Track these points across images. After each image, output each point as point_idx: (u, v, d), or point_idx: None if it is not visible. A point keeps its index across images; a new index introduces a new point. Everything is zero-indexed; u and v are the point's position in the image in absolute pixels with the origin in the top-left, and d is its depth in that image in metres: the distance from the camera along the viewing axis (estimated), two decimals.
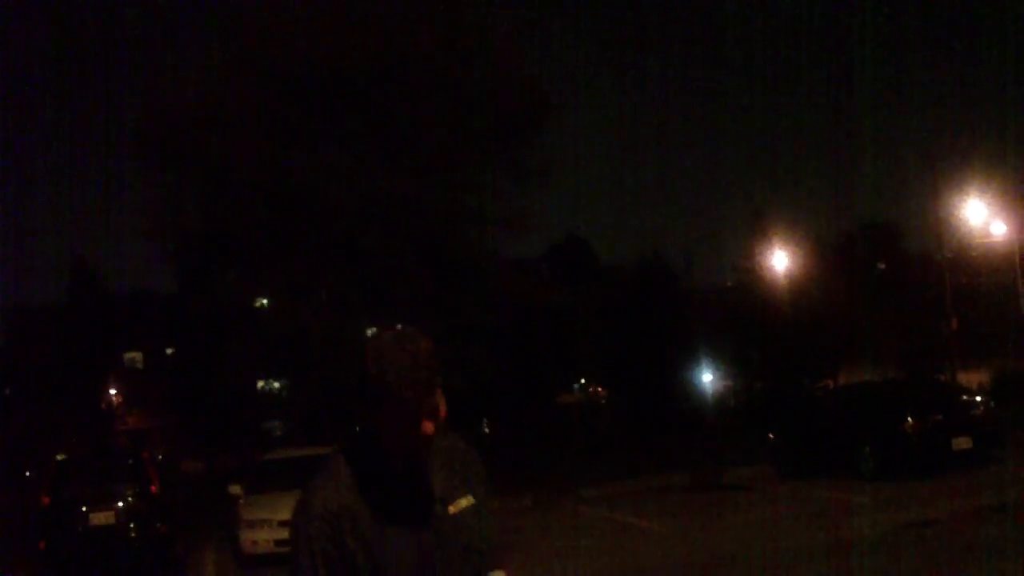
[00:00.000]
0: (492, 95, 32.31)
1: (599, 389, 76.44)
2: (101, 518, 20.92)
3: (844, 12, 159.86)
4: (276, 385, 53.15)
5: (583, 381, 76.50)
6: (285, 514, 14.92)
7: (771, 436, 27.96)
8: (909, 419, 23.55)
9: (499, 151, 34.11)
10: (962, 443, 23.20)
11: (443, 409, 3.54)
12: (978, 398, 26.43)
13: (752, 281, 63.01)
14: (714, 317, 67.18)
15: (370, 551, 3.38)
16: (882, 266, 66.45)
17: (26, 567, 21.71)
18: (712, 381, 71.68)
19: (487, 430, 65.93)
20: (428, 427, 3.45)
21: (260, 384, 54.73)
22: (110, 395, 78.87)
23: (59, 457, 23.44)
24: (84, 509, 20.95)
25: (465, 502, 3.64)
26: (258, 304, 37.91)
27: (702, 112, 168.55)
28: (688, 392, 65.57)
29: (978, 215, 49.28)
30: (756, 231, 63.54)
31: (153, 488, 21.43)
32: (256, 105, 31.45)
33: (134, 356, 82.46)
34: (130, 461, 23.34)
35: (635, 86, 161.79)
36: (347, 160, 30.97)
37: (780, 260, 59.33)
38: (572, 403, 72.63)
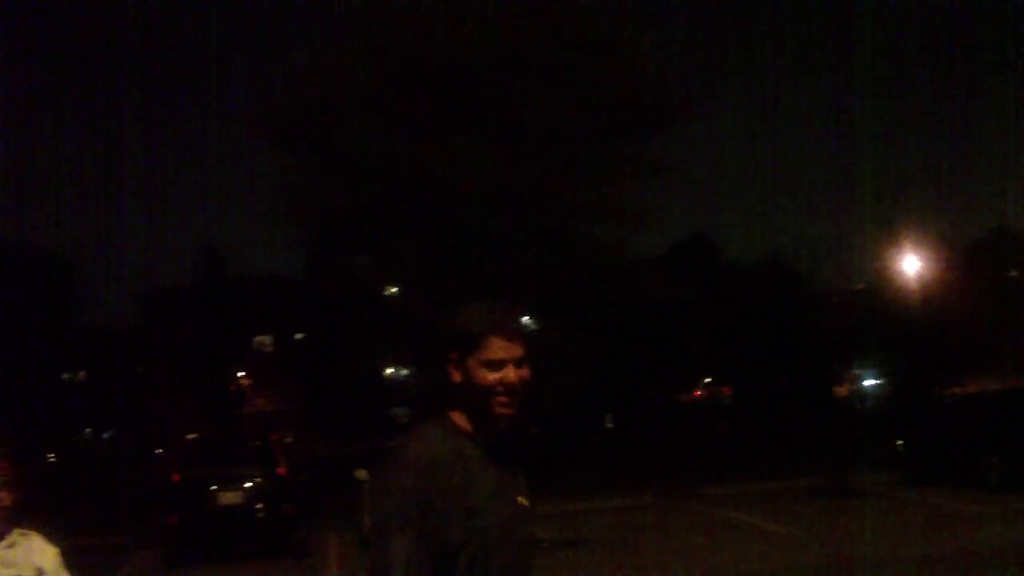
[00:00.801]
0: (620, 89, 32.27)
1: (723, 389, 76.02)
2: (229, 497, 21.32)
3: (981, 13, 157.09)
4: (403, 372, 53.52)
5: (707, 380, 76.12)
6: None
7: (898, 442, 27.59)
8: None
9: (626, 146, 34.07)
10: None
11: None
12: None
13: (881, 284, 62.20)
14: (841, 320, 66.41)
15: (463, 499, 3.51)
16: (1013, 273, 65.23)
17: (157, 541, 22.16)
18: (838, 385, 70.89)
19: (610, 426, 65.87)
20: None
21: (388, 372, 55.15)
22: (239, 377, 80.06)
23: (190, 437, 23.93)
24: (213, 488, 21.36)
25: (526, 502, 3.86)
26: (386, 292, 38.26)
27: (833, 111, 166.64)
28: (813, 395, 64.92)
29: None
30: (885, 234, 62.80)
31: (280, 470, 21.77)
32: (386, 94, 31.71)
33: (263, 340, 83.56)
34: (258, 443, 23.74)
35: (764, 84, 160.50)
36: (474, 152, 31.13)
37: (910, 264, 58.47)
38: (695, 402, 72.33)
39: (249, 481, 21.60)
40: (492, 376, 3.63)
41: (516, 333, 3.71)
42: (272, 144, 34.05)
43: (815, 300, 66.93)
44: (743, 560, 17.55)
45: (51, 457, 64.54)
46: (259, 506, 21.39)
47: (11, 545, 4.34)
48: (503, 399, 3.65)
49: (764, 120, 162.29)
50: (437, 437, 3.61)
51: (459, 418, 3.69)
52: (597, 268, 32.91)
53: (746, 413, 64.88)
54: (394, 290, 36.28)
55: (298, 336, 77.27)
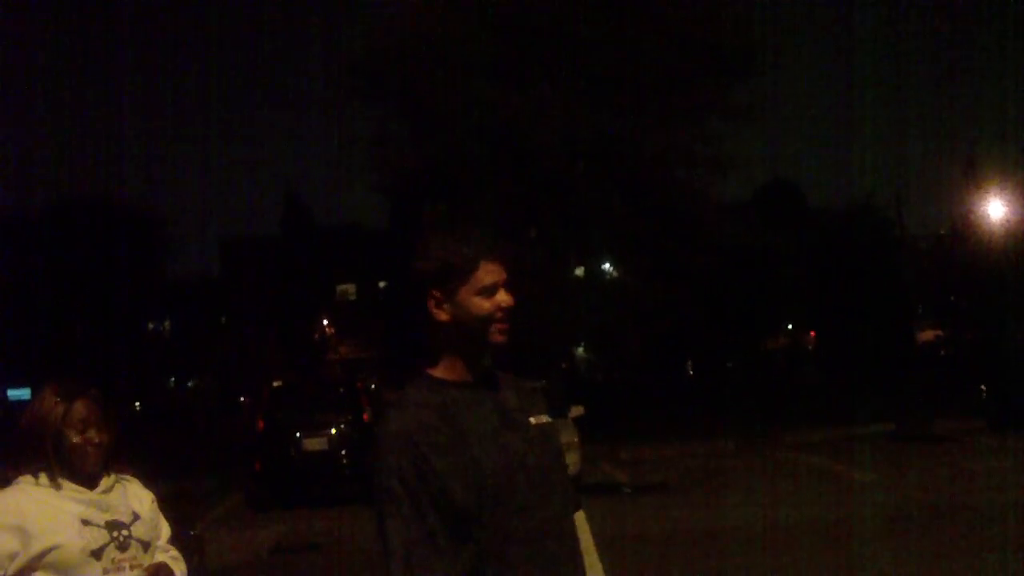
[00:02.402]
0: (704, 35, 32.01)
1: (807, 336, 75.55)
2: (314, 444, 21.52)
3: None
4: None
5: (790, 327, 75.67)
6: None
7: (982, 388, 27.33)
8: None
9: (710, 91, 33.83)
10: None
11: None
12: None
13: (965, 229, 61.42)
14: (925, 265, 65.75)
15: (460, 454, 3.34)
16: None
17: (242, 487, 22.46)
18: (922, 331, 70.26)
19: (691, 373, 65.76)
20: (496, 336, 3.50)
21: None
22: (323, 325, 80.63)
23: (275, 384, 24.14)
24: (298, 435, 21.56)
25: (545, 418, 3.65)
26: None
27: (915, 54, 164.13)
28: (897, 342, 64.35)
29: None
30: (970, 178, 61.89)
31: (365, 416, 21.92)
32: (470, 42, 31.68)
33: (347, 288, 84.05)
34: (342, 390, 23.91)
35: (847, 26, 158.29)
36: (559, 100, 31.05)
37: (995, 208, 57.62)
38: (777, 348, 71.96)
39: (334, 428, 21.77)
40: (487, 303, 3.45)
41: (501, 255, 3.55)
42: (357, 93, 34.20)
43: (900, 246, 66.27)
44: (825, 506, 17.51)
45: (136, 405, 65.45)
46: (343, 453, 21.57)
47: (107, 489, 4.40)
48: (501, 326, 3.47)
49: (848, 63, 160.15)
50: (416, 402, 3.43)
51: (440, 369, 3.50)
52: (681, 214, 32.79)
53: (829, 359, 64.48)
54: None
55: (381, 284, 77.65)
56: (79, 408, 4.32)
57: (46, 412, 4.31)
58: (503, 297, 3.46)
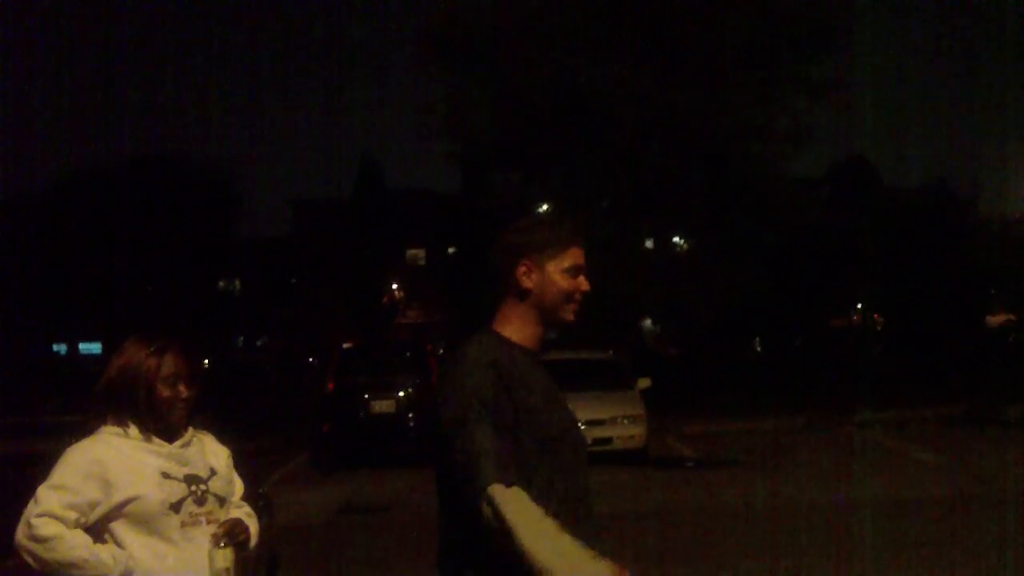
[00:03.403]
0: (784, 8, 31.82)
1: (875, 315, 74.96)
2: (382, 406, 21.67)
3: None
4: None
5: (860, 306, 75.08)
6: None
7: None
8: None
9: (789, 65, 33.63)
10: None
11: None
12: None
13: None
14: (999, 248, 64.98)
15: (524, 398, 3.61)
16: None
17: (311, 448, 22.65)
18: (993, 314, 69.45)
19: (759, 349, 65.46)
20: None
21: None
22: (392, 289, 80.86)
23: (344, 346, 24.30)
24: (367, 396, 21.71)
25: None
26: (539, 209, 38.32)
27: (996, 33, 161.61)
28: (967, 324, 63.70)
29: None
30: None
31: (434, 379, 22.03)
32: (549, 13, 31.68)
33: (416, 252, 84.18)
34: (411, 353, 24.04)
35: (928, 1, 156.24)
36: (633, 72, 30.97)
37: None
38: (846, 327, 71.44)
39: (402, 390, 21.91)
40: (569, 283, 3.80)
41: (585, 245, 3.90)
42: (434, 59, 34.30)
43: (974, 227, 65.56)
44: (891, 486, 17.42)
45: (206, 363, 65.92)
46: (411, 414, 21.70)
47: (186, 444, 4.47)
48: (574, 306, 3.83)
49: (926, 41, 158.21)
50: (492, 344, 3.72)
51: (508, 330, 3.80)
52: (754, 189, 32.67)
53: (898, 340, 63.97)
54: (546, 208, 36.38)
55: (451, 250, 77.75)
56: (169, 361, 4.39)
57: (137, 364, 4.37)
58: (582, 281, 3.84)
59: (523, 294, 3.81)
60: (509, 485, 3.40)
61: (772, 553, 12.34)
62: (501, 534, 3.36)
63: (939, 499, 15.84)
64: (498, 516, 3.35)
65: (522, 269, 3.80)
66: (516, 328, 3.80)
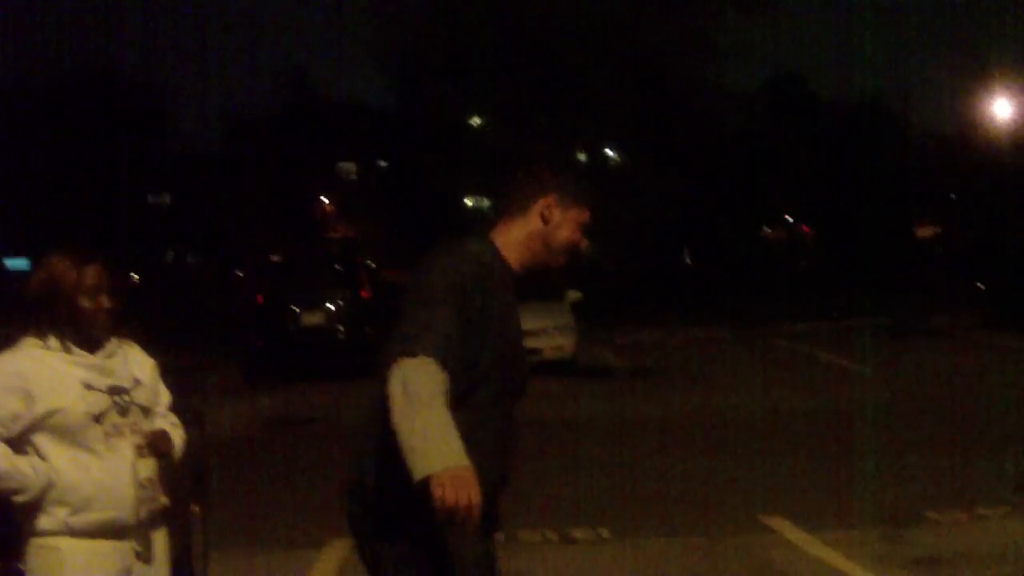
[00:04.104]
0: None
1: (805, 227, 75.49)
2: (312, 319, 21.60)
3: None
4: (486, 203, 53.50)
5: (789, 218, 75.55)
6: None
7: (980, 285, 27.39)
8: None
9: None
10: None
11: None
12: None
13: (972, 129, 61.14)
14: (929, 162, 65.53)
15: (494, 303, 3.79)
16: None
17: (240, 362, 22.56)
18: (922, 227, 70.27)
19: (689, 261, 65.75)
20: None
21: (470, 202, 55.16)
22: (323, 203, 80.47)
23: (273, 259, 24.18)
24: (296, 310, 21.63)
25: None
26: (471, 122, 38.15)
27: None
28: (896, 237, 64.37)
29: None
30: (978, 77, 61.46)
31: (363, 293, 21.99)
32: None
33: (348, 166, 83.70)
34: (342, 266, 23.94)
35: None
36: None
37: (1002, 108, 57.27)
38: (776, 239, 71.93)
39: (332, 303, 21.84)
40: (577, 235, 4.04)
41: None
42: None
43: (904, 141, 66.04)
44: (816, 395, 17.67)
45: (135, 277, 65.42)
46: (341, 327, 21.66)
47: (110, 355, 4.44)
48: (564, 257, 4.06)
49: None
50: (491, 249, 3.92)
51: (503, 242, 3.97)
52: (686, 102, 32.70)
53: (828, 252, 64.52)
54: (479, 120, 36.24)
55: (383, 164, 77.38)
56: (91, 273, 4.34)
57: (59, 276, 4.32)
58: (582, 238, 4.07)
59: (535, 224, 3.98)
60: (422, 355, 3.44)
61: (698, 461, 12.48)
62: (394, 391, 3.41)
63: (865, 408, 16.06)
64: (399, 375, 3.42)
65: (547, 202, 3.98)
66: (512, 247, 3.97)
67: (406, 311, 3.64)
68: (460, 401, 3.52)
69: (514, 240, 3.98)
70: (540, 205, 3.98)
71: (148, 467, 4.36)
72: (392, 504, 3.67)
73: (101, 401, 4.28)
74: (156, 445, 4.40)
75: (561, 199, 4.00)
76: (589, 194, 4.10)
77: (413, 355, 3.44)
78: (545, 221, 3.98)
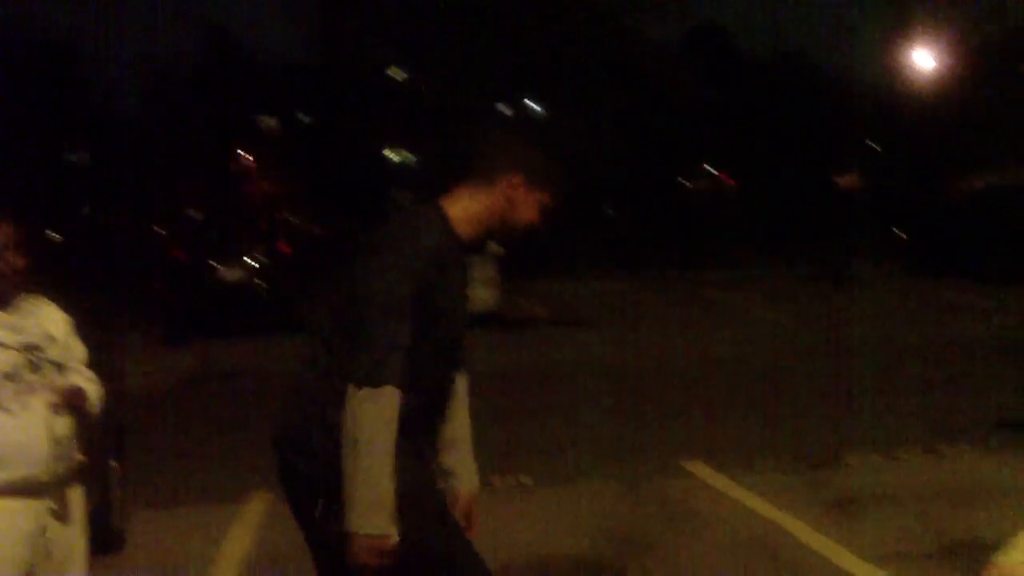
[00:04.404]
0: None
1: (725, 177, 75.91)
2: (232, 274, 21.47)
3: None
4: (410, 156, 53.31)
5: (711, 168, 75.89)
6: None
7: (899, 233, 27.71)
8: None
9: None
10: None
11: None
12: None
13: (892, 79, 61.66)
14: (851, 113, 66.05)
15: (447, 287, 3.75)
16: None
17: (160, 318, 22.40)
18: (843, 177, 70.92)
19: (611, 211, 65.91)
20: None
21: (392, 155, 54.95)
22: (244, 158, 79.86)
23: (193, 215, 24.01)
24: (216, 265, 21.49)
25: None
26: (392, 74, 37.96)
27: None
28: (818, 186, 64.93)
29: None
30: (900, 27, 61.93)
31: (283, 248, 21.90)
32: None
33: (268, 121, 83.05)
34: (260, 222, 23.87)
35: None
36: None
37: (923, 59, 57.76)
38: (698, 189, 72.25)
39: (252, 259, 21.73)
40: (535, 218, 3.90)
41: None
42: None
43: (826, 92, 66.55)
44: (736, 342, 17.82)
45: (53, 235, 64.67)
46: (261, 283, 21.56)
47: (22, 312, 4.37)
48: (520, 236, 3.95)
49: None
50: (437, 225, 3.77)
51: (456, 211, 3.83)
52: (608, 53, 32.69)
53: (750, 201, 64.96)
54: (400, 72, 36.05)
55: (304, 118, 76.86)
56: (1, 231, 4.27)
57: None
58: (536, 221, 3.93)
59: (498, 201, 3.85)
60: (384, 384, 3.50)
61: (620, 409, 12.57)
62: (349, 426, 3.51)
63: (783, 354, 16.25)
64: (361, 404, 3.50)
65: (515, 181, 3.84)
66: (467, 221, 3.83)
67: (366, 317, 3.59)
68: (417, 364, 3.61)
69: (472, 214, 3.85)
70: (507, 182, 3.85)
71: (63, 424, 4.32)
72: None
73: (13, 358, 4.22)
74: (71, 401, 4.35)
75: (530, 180, 3.87)
76: (559, 177, 3.99)
77: (378, 384, 3.50)
78: (509, 200, 3.86)
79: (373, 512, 3.50)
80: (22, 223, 4.32)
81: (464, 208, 3.83)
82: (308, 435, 3.72)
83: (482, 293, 21.06)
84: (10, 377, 4.19)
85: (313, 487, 3.73)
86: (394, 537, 3.53)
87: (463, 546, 3.86)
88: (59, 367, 4.41)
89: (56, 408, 4.29)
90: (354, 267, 3.78)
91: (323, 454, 3.64)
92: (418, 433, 3.79)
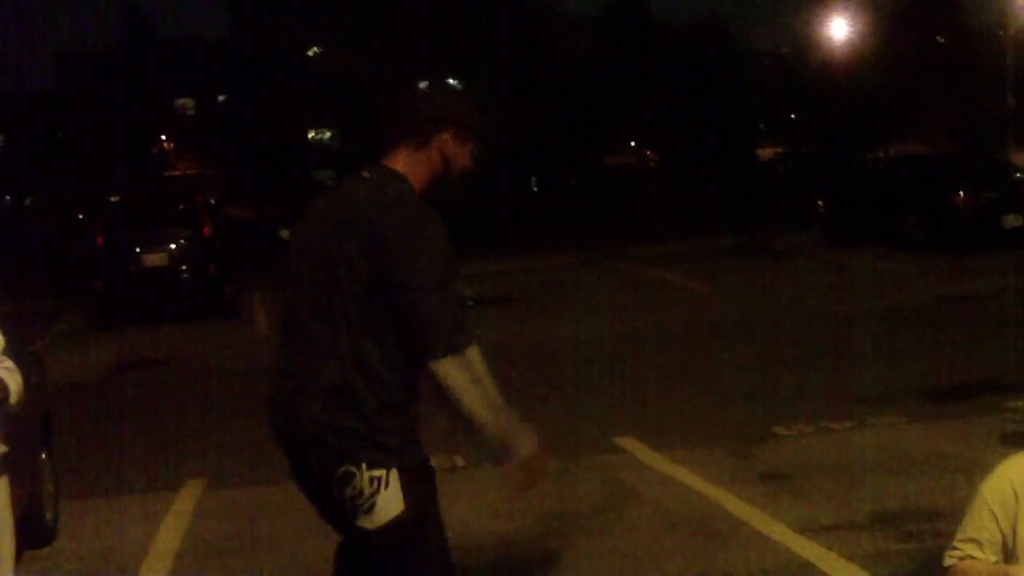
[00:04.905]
0: None
1: (648, 152, 76.19)
2: (154, 259, 21.23)
3: None
4: (327, 135, 53.00)
5: (634, 143, 76.14)
6: None
7: (820, 204, 27.91)
8: (960, 193, 23.46)
9: None
10: (1012, 221, 23.03)
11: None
12: None
13: (808, 48, 62.11)
14: (768, 83, 66.47)
15: None
16: (941, 39, 65.05)
17: (83, 306, 22.16)
18: (762, 148, 71.48)
19: (535, 188, 66.00)
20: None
21: (311, 134, 54.59)
22: (161, 141, 79.18)
23: (112, 200, 23.72)
24: (137, 250, 21.25)
25: None
26: (311, 52, 37.71)
27: None
28: (738, 158, 65.31)
29: None
30: None
31: (205, 231, 21.70)
32: None
33: (185, 103, 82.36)
34: (182, 205, 23.61)
35: None
36: None
37: (838, 27, 58.22)
38: (621, 165, 72.47)
39: (174, 243, 21.49)
40: (468, 164, 4.22)
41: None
42: None
43: (744, 63, 66.90)
44: (665, 316, 17.90)
45: None
46: (184, 267, 21.34)
47: None
48: (457, 183, 4.27)
49: None
50: (411, 188, 4.12)
51: (408, 174, 4.13)
52: (528, 26, 32.68)
53: (672, 176, 65.25)
54: (318, 51, 35.81)
55: (221, 98, 76.25)
56: None
57: None
58: (471, 165, 4.25)
59: (436, 160, 4.16)
60: (472, 345, 3.98)
61: (549, 386, 12.59)
62: (462, 387, 3.93)
63: (709, 327, 16.34)
64: (468, 373, 3.93)
65: (447, 137, 4.14)
66: (412, 176, 4.13)
67: (424, 301, 3.92)
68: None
69: (419, 176, 4.15)
70: (440, 140, 4.15)
71: None
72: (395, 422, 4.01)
73: None
74: None
75: (459, 133, 4.17)
76: (486, 124, 4.30)
77: (465, 348, 3.93)
78: (443, 154, 4.17)
79: (524, 436, 4.12)
80: None
81: (413, 172, 4.13)
82: (345, 401, 3.95)
83: None
84: None
85: (346, 454, 3.96)
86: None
87: (439, 529, 4.26)
88: None
89: None
90: (340, 242, 3.99)
91: (371, 411, 3.94)
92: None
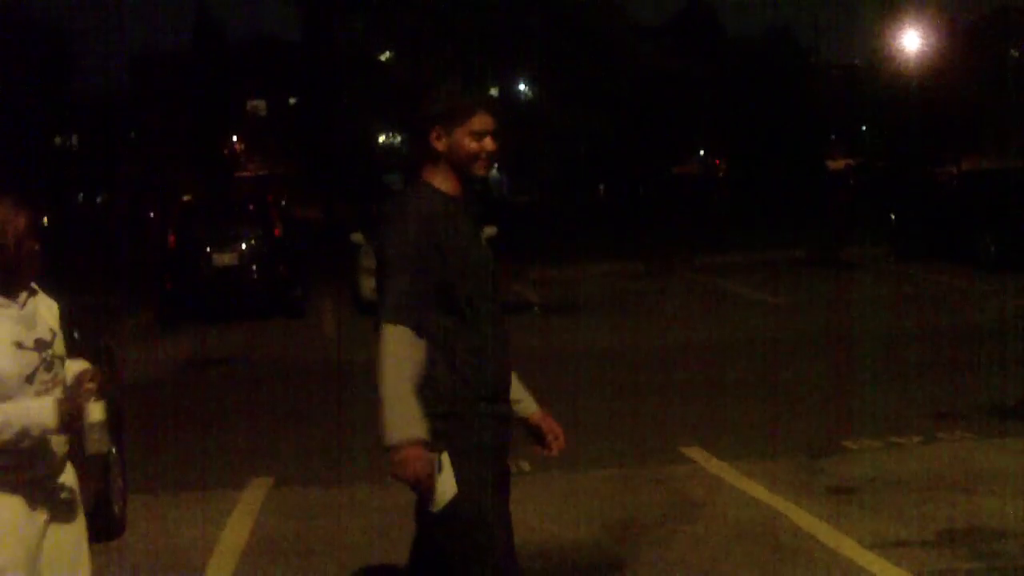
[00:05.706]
0: None
1: (717, 161, 75.91)
2: (225, 259, 21.36)
3: None
4: (398, 139, 53.13)
5: (702, 153, 75.91)
6: None
7: (892, 217, 27.68)
8: None
9: None
10: None
11: None
12: None
13: (881, 60, 61.71)
14: (840, 95, 66.09)
15: (456, 243, 4.31)
16: (1015, 53, 64.47)
17: (154, 305, 22.33)
18: (834, 159, 70.97)
19: (603, 196, 65.94)
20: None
21: (382, 138, 54.73)
22: (233, 142, 79.78)
23: (184, 199, 23.86)
24: (208, 250, 21.39)
25: (485, 233, 4.75)
26: (382, 57, 37.85)
27: None
28: (809, 169, 64.90)
29: None
30: (887, 9, 62.01)
31: (276, 231, 21.81)
32: None
33: (257, 104, 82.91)
34: (253, 205, 23.75)
35: None
36: None
37: (911, 41, 57.79)
38: (689, 174, 72.27)
39: (244, 243, 21.62)
40: (475, 144, 4.40)
41: (494, 108, 4.50)
42: None
43: (815, 74, 66.45)
44: (734, 327, 17.79)
45: (44, 221, 64.40)
46: (254, 267, 21.46)
47: (27, 304, 4.25)
48: (481, 163, 4.45)
49: None
50: (427, 195, 4.38)
51: (437, 182, 4.42)
52: (597, 36, 32.60)
53: (741, 185, 64.92)
54: (389, 55, 35.94)
55: (293, 101, 76.71)
56: (25, 216, 4.16)
57: (6, 221, 4.12)
58: (488, 142, 4.43)
59: (437, 156, 4.42)
60: (398, 324, 4.14)
61: (617, 395, 12.56)
62: (382, 354, 4.13)
63: (778, 339, 16.22)
64: (381, 344, 4.13)
65: (434, 135, 4.41)
66: (440, 181, 4.43)
67: (386, 274, 4.24)
68: (459, 317, 4.30)
69: (440, 177, 4.43)
70: (431, 139, 4.41)
71: (98, 410, 4.25)
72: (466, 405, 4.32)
73: (31, 360, 4.11)
74: (100, 385, 4.27)
75: (444, 125, 4.40)
76: (469, 103, 4.44)
77: (394, 323, 4.14)
78: (441, 151, 4.41)
79: (405, 424, 4.10)
80: (28, 209, 4.23)
81: (434, 176, 4.44)
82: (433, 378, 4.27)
83: None
84: (29, 380, 4.10)
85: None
86: (427, 442, 4.13)
87: (500, 520, 4.43)
88: (62, 360, 4.34)
89: (90, 395, 4.21)
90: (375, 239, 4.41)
91: (427, 399, 4.21)
92: (499, 394, 4.51)
